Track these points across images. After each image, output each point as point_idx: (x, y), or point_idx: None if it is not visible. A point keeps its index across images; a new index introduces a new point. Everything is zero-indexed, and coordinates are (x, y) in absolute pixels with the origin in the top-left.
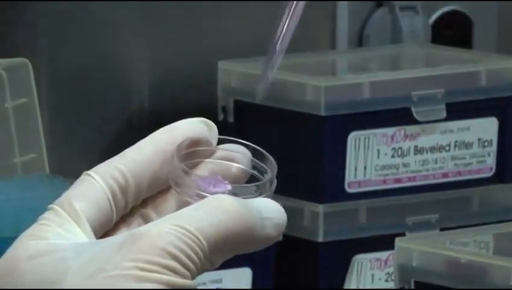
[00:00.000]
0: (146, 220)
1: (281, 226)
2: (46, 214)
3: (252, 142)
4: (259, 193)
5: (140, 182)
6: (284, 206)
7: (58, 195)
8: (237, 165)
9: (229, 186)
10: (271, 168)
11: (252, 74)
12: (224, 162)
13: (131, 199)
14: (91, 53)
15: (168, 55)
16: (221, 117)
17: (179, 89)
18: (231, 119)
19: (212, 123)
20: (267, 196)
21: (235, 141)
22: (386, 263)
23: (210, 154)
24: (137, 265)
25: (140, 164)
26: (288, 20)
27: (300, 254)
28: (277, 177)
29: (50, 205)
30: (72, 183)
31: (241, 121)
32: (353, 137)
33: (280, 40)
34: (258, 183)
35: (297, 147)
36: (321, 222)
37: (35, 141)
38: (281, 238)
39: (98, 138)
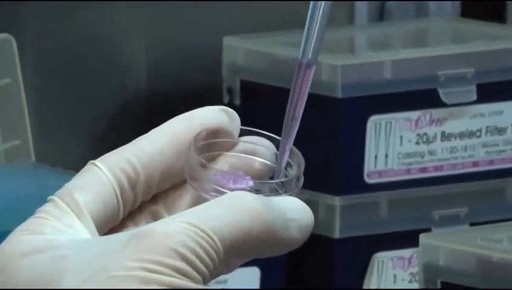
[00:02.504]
0: (156, 218)
1: (306, 228)
2: (45, 206)
3: (260, 128)
4: (284, 190)
5: (151, 175)
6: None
7: (44, 185)
8: (260, 159)
9: (250, 183)
10: (298, 163)
11: (261, 51)
12: (246, 156)
13: (141, 193)
14: (82, 29)
15: (167, 32)
16: (226, 99)
17: (179, 69)
18: (237, 101)
19: (234, 112)
20: (292, 194)
21: (259, 132)
22: (409, 261)
23: (230, 146)
24: (143, 266)
25: (152, 155)
26: (300, 88)
27: (314, 251)
28: (304, 173)
29: (49, 197)
30: (59, 172)
31: (249, 104)
32: (373, 122)
33: (293, 115)
34: (282, 179)
35: (310, 133)
36: (337, 216)
37: (19, 126)
38: None
39: (89, 123)
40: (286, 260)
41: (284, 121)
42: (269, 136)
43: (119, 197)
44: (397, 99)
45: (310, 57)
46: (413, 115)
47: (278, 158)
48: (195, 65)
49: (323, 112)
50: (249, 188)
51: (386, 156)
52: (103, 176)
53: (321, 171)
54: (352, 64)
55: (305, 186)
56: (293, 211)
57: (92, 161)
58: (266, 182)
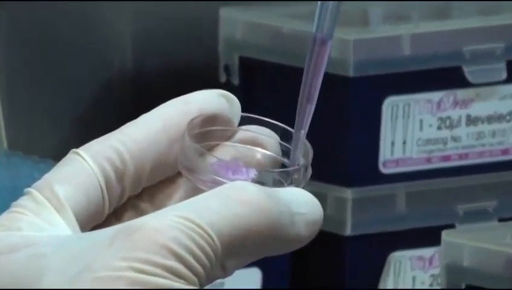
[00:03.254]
0: (143, 215)
1: (314, 223)
2: (21, 200)
3: (262, 110)
4: (290, 181)
5: (141, 166)
6: None
7: (18, 175)
8: (263, 150)
9: (252, 173)
10: (305, 152)
11: (263, 23)
12: (247, 146)
13: (129, 187)
14: (60, 1)
15: (156, 2)
16: (223, 78)
17: (170, 44)
18: (236, 81)
19: (234, 98)
20: (299, 187)
21: (262, 120)
22: (430, 262)
23: (229, 136)
24: (131, 265)
25: (142, 144)
26: (315, 66)
27: (323, 250)
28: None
29: (26, 189)
30: (35, 161)
31: (248, 84)
32: (389, 104)
33: (308, 96)
34: (288, 169)
35: (318, 117)
36: (349, 210)
37: None
38: None
39: (68, 105)
40: (290, 260)
41: (298, 103)
42: (273, 124)
43: (105, 190)
44: (417, 78)
45: (325, 31)
46: (435, 96)
47: (292, 145)
48: (188, 40)
49: (333, 93)
50: (250, 179)
51: (404, 142)
52: (87, 166)
53: (330, 160)
54: (365, 39)
55: (312, 177)
56: (299, 205)
57: (74, 150)
58: (270, 171)
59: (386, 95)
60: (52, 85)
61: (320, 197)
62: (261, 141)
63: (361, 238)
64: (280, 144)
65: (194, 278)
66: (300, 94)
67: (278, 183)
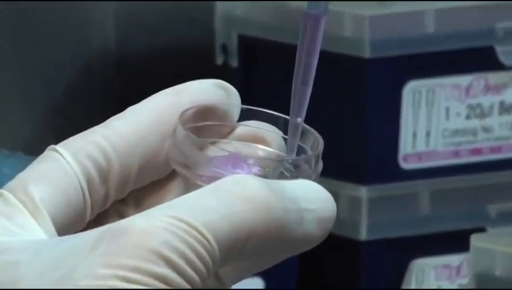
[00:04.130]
0: None
1: (327, 221)
2: None
3: (263, 96)
4: (298, 174)
5: (128, 165)
6: None
7: None
8: (266, 148)
9: (254, 168)
10: (314, 143)
11: None
12: (248, 143)
13: (114, 189)
14: None
15: None
16: (219, 60)
17: (158, 21)
18: (234, 62)
19: (234, 89)
20: (309, 179)
21: (264, 112)
22: (458, 271)
23: (227, 132)
24: (116, 273)
25: (129, 139)
26: (309, 44)
27: (334, 257)
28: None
29: None
30: (4, 155)
31: (249, 66)
32: (411, 89)
33: (303, 79)
34: (297, 158)
35: (330, 104)
36: (364, 211)
37: None
38: None
39: (43, 93)
40: (296, 269)
41: (293, 86)
42: (278, 116)
43: (87, 192)
44: (442, 60)
45: (319, 7)
46: (463, 80)
47: (288, 133)
48: (180, 17)
49: (346, 76)
50: (253, 174)
51: (428, 134)
52: (66, 165)
53: (343, 153)
54: (383, 15)
55: (323, 173)
56: (309, 200)
57: (52, 146)
58: (276, 160)
59: (407, 79)
60: (23, 68)
61: (332, 196)
62: (263, 137)
63: (379, 244)
64: (285, 139)
65: (188, 287)
66: (294, 77)
67: (285, 177)
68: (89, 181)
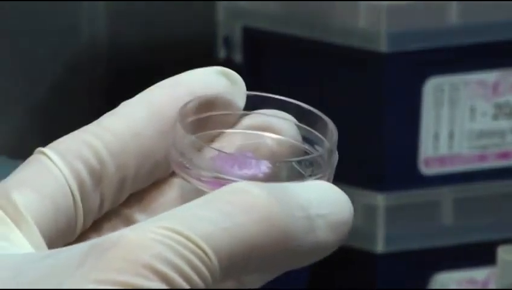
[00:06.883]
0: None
1: (342, 225)
2: None
3: (270, 93)
4: (311, 172)
5: (124, 166)
6: None
7: None
8: (276, 136)
9: (264, 166)
10: (328, 134)
11: None
12: (256, 132)
13: (109, 193)
14: None
15: None
16: (222, 54)
17: (154, 12)
18: (238, 57)
19: (237, 75)
20: (323, 178)
21: (273, 98)
22: (484, 286)
23: (233, 121)
24: None
25: (124, 138)
26: None
27: (348, 271)
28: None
29: None
30: None
31: (254, 60)
32: (432, 86)
33: None
34: (308, 156)
35: (344, 103)
36: (381, 221)
37: None
38: None
39: (26, 88)
40: (307, 284)
41: None
42: (289, 102)
43: (78, 197)
44: (466, 54)
45: None
46: (490, 76)
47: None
48: (177, 6)
49: (361, 72)
50: (262, 174)
51: (451, 135)
52: (54, 168)
53: (358, 157)
54: (402, 6)
55: (336, 179)
56: (321, 203)
57: (39, 148)
58: (286, 160)
59: (428, 76)
60: (5, 63)
61: None
62: (273, 125)
63: (397, 256)
64: (299, 127)
65: None
66: None
67: (297, 176)
68: (80, 185)
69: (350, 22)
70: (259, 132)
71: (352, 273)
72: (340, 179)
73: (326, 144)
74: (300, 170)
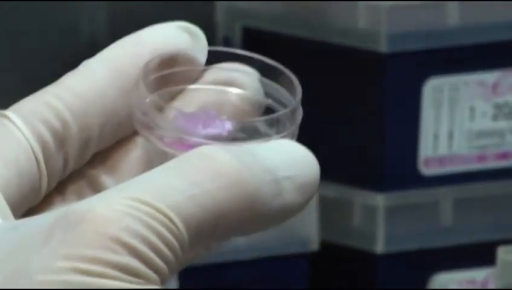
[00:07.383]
0: (95, 187)
1: (309, 186)
2: None
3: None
4: (276, 129)
5: (87, 126)
6: (322, 198)
7: None
8: (240, 91)
9: (228, 125)
10: (292, 90)
11: None
12: (219, 87)
13: (73, 154)
14: None
15: None
16: None
17: (153, 12)
18: None
19: (199, 30)
20: (287, 136)
21: (235, 53)
22: (483, 286)
23: (196, 77)
24: (75, 266)
25: (86, 98)
26: None
27: (348, 272)
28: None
29: None
30: None
31: None
32: (432, 86)
33: None
34: (273, 115)
35: (343, 103)
36: (381, 222)
37: None
38: (315, 247)
39: (22, 88)
40: (307, 284)
41: None
42: (251, 57)
43: (41, 160)
44: (466, 54)
45: None
46: (490, 76)
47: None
48: (176, 6)
49: (361, 73)
50: (226, 133)
51: (450, 136)
52: (16, 130)
53: (357, 157)
54: (402, 6)
55: (334, 179)
56: (287, 165)
57: (2, 112)
58: (250, 121)
59: (428, 76)
60: (5, 63)
61: (344, 204)
62: (236, 79)
63: (396, 257)
64: (262, 81)
65: (155, 276)
66: None
67: (262, 135)
68: (44, 148)
69: (350, 22)
70: (222, 87)
71: (352, 273)
72: (340, 179)
73: (291, 100)
74: (265, 128)
